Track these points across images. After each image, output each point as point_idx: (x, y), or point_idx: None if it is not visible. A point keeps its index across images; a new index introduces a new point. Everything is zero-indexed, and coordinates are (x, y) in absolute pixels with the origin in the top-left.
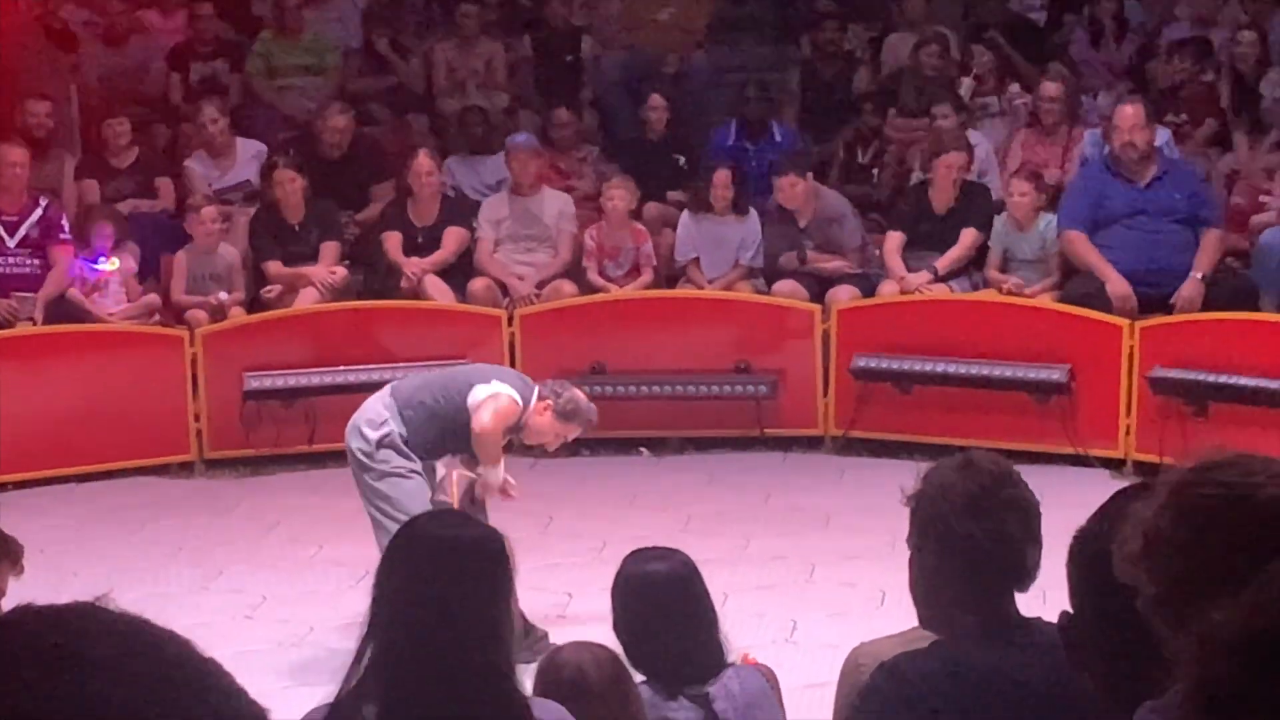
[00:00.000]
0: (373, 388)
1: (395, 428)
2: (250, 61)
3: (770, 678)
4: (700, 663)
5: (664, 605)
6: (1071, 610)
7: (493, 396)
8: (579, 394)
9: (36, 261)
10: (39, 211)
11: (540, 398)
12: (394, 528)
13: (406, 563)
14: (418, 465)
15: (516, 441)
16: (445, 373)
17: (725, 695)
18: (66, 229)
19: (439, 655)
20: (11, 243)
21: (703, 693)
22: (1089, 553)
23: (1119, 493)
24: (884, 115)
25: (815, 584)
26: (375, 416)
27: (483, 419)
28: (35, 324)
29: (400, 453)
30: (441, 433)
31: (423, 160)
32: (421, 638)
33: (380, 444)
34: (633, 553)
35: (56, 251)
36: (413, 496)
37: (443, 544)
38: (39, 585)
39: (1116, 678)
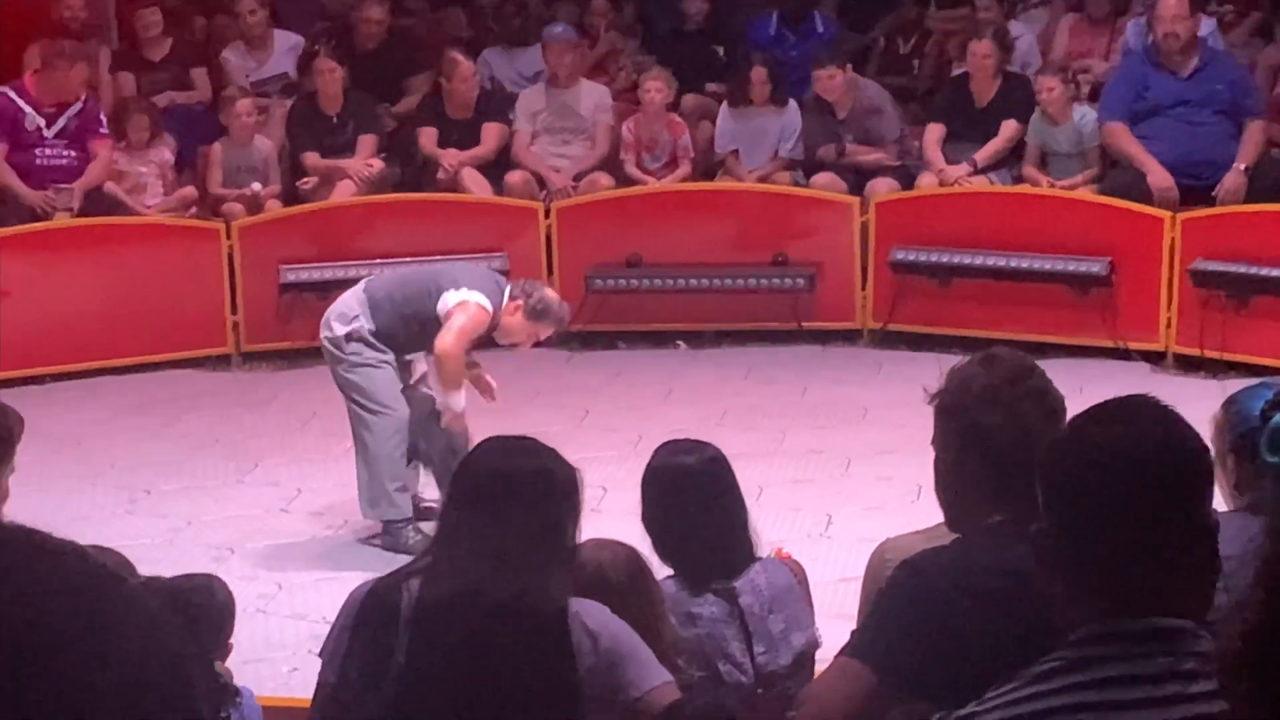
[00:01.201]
0: None
1: (364, 323)
2: None
3: (799, 572)
4: (728, 557)
5: (692, 498)
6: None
7: (460, 307)
8: (550, 293)
9: (74, 154)
10: (77, 104)
11: (511, 297)
12: (368, 417)
13: (472, 483)
14: (389, 356)
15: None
16: (417, 272)
17: (751, 590)
18: (104, 122)
19: (492, 558)
20: (50, 135)
21: (729, 587)
22: (1058, 465)
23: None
24: (925, 5)
25: (851, 478)
26: (347, 311)
27: (445, 341)
28: (73, 214)
29: (370, 345)
30: (409, 333)
31: (464, 66)
32: (477, 546)
33: (350, 337)
34: (663, 445)
35: (95, 145)
36: (384, 385)
37: (512, 474)
38: (77, 476)
39: (1083, 591)
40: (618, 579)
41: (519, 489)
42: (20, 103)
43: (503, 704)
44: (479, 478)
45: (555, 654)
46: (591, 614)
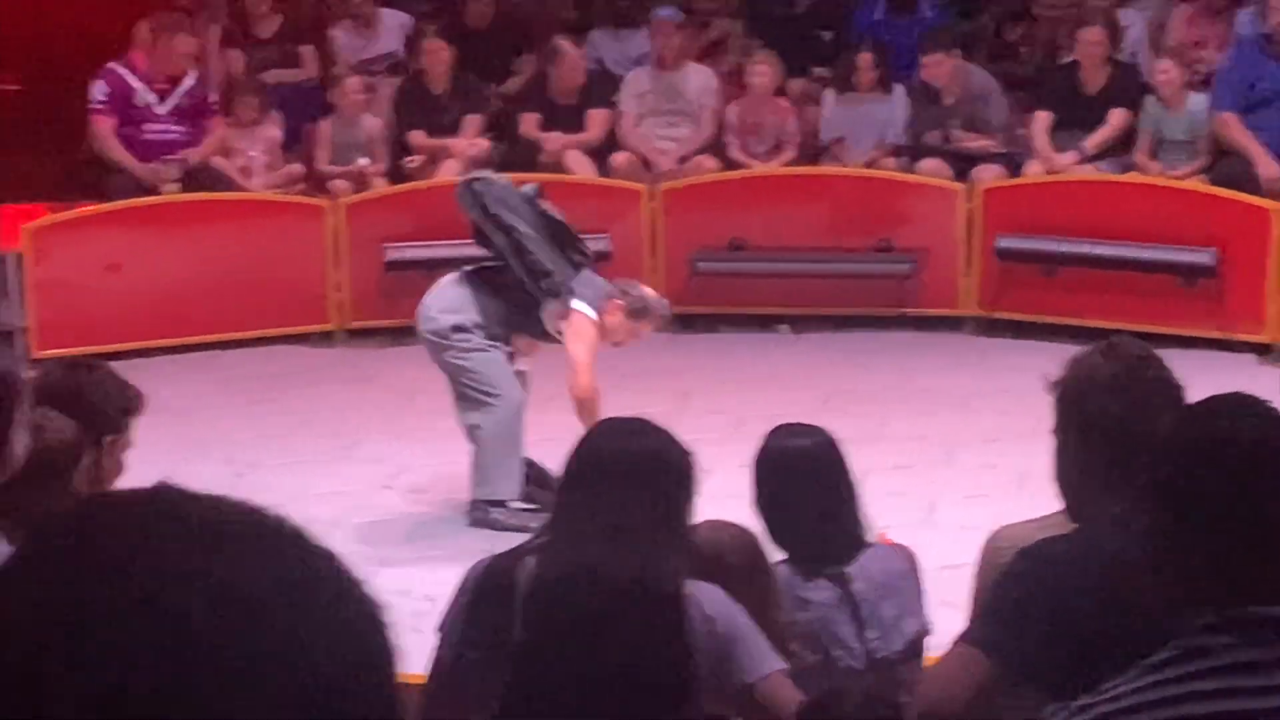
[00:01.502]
0: None
1: (471, 315)
2: None
3: (910, 559)
4: (840, 542)
5: (805, 482)
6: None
7: (572, 333)
8: (647, 291)
9: (183, 129)
10: (188, 81)
11: (608, 296)
12: (484, 400)
13: (588, 463)
14: (498, 344)
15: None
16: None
17: (863, 575)
18: (214, 98)
19: (608, 538)
20: (161, 110)
21: (841, 572)
22: (1172, 459)
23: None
24: None
25: (954, 465)
26: (449, 304)
27: (579, 383)
28: (178, 186)
29: (479, 334)
30: (513, 327)
31: (569, 56)
32: (594, 525)
33: (457, 329)
34: (775, 428)
35: (206, 122)
36: (497, 370)
37: (627, 455)
38: (182, 450)
39: (1199, 582)
40: (735, 561)
41: (634, 469)
42: (131, 78)
43: (617, 684)
44: (595, 458)
45: (670, 635)
46: (707, 597)
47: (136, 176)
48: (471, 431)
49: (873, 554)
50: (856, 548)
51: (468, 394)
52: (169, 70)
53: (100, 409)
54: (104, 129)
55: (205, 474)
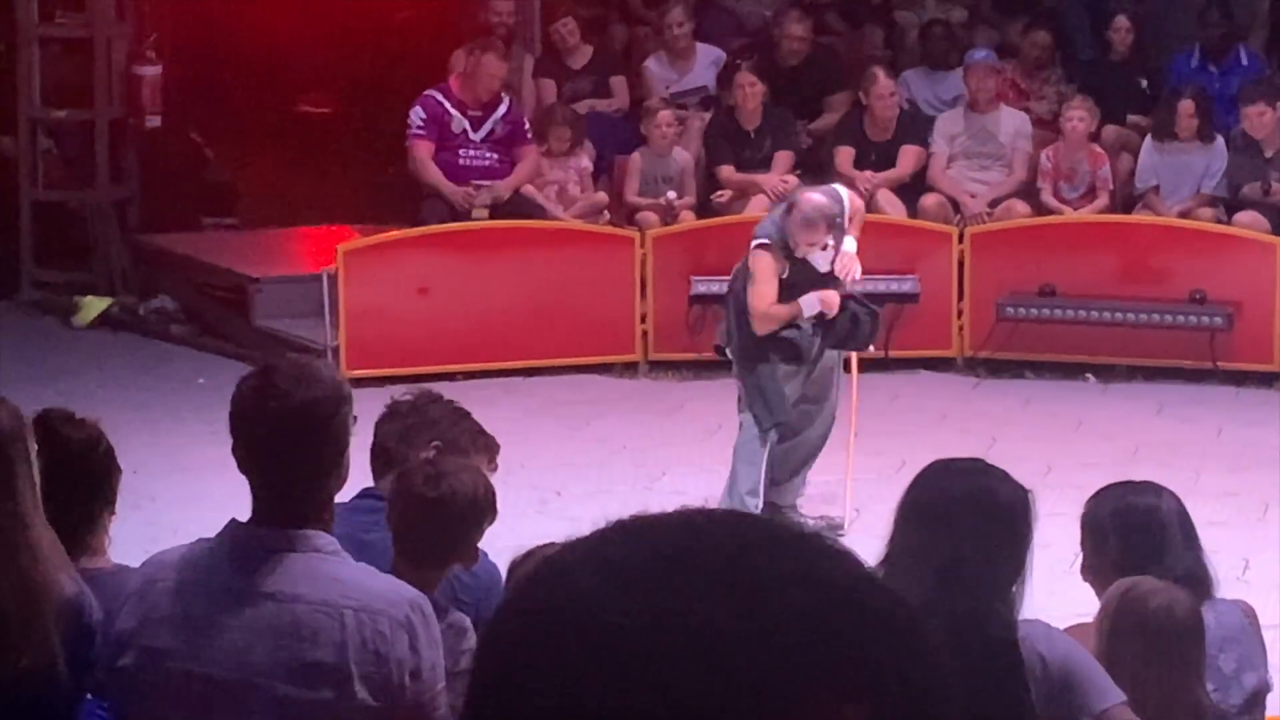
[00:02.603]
0: None
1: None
2: None
3: (1249, 613)
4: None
5: (1155, 538)
6: None
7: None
8: (807, 194)
9: (497, 157)
10: (503, 109)
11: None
12: (744, 418)
13: (919, 502)
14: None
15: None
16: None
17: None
18: (528, 127)
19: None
20: (476, 137)
21: None
22: None
23: None
24: None
25: (1269, 523)
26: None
27: (754, 310)
28: (487, 213)
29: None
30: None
31: (884, 83)
32: (926, 563)
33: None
34: (1112, 485)
35: (521, 150)
36: (769, 391)
37: (958, 495)
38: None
39: None
40: (1184, 623)
41: (964, 509)
42: (447, 105)
43: None
44: (926, 497)
45: (1007, 674)
46: (1040, 635)
47: (449, 202)
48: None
49: (1210, 607)
50: (1203, 598)
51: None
52: (483, 97)
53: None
54: (422, 154)
55: (513, 499)
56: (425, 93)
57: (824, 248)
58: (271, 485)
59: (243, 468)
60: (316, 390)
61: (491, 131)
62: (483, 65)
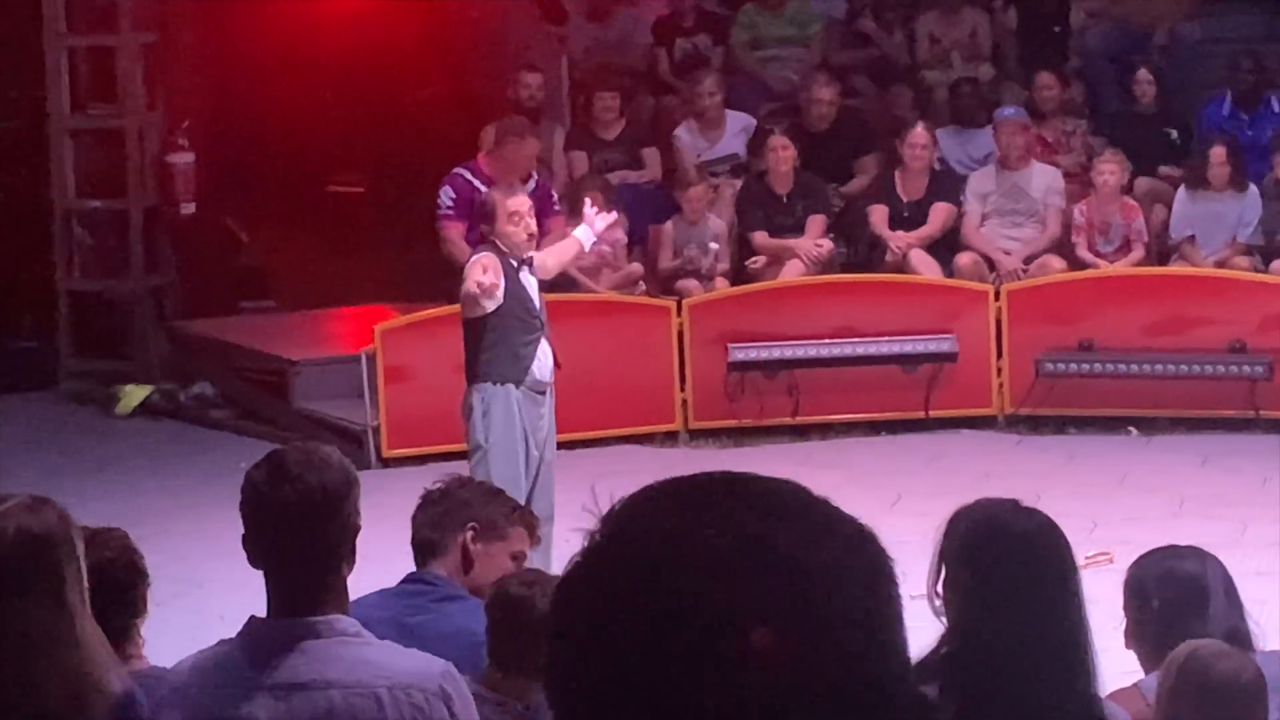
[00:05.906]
0: (856, 361)
1: None
2: (735, 33)
3: None
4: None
5: (1204, 602)
6: None
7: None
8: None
9: None
10: (531, 183)
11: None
12: None
13: (981, 553)
14: None
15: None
16: None
17: None
18: (557, 200)
19: (1016, 660)
20: None
21: None
22: None
23: None
24: None
25: None
26: None
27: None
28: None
29: None
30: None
31: (919, 133)
32: (996, 637)
33: None
34: (1151, 553)
35: (550, 222)
36: None
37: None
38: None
39: None
40: (1250, 686)
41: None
42: (475, 182)
43: None
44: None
45: None
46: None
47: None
48: None
49: (1263, 659)
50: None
51: None
52: (512, 173)
53: None
54: (452, 234)
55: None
56: (454, 170)
57: None
58: (288, 573)
59: (256, 559)
60: (327, 475)
61: None
62: (524, 149)
